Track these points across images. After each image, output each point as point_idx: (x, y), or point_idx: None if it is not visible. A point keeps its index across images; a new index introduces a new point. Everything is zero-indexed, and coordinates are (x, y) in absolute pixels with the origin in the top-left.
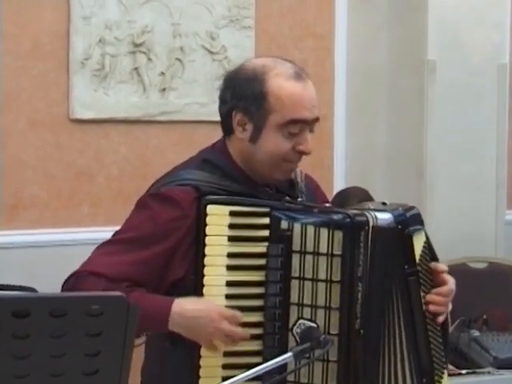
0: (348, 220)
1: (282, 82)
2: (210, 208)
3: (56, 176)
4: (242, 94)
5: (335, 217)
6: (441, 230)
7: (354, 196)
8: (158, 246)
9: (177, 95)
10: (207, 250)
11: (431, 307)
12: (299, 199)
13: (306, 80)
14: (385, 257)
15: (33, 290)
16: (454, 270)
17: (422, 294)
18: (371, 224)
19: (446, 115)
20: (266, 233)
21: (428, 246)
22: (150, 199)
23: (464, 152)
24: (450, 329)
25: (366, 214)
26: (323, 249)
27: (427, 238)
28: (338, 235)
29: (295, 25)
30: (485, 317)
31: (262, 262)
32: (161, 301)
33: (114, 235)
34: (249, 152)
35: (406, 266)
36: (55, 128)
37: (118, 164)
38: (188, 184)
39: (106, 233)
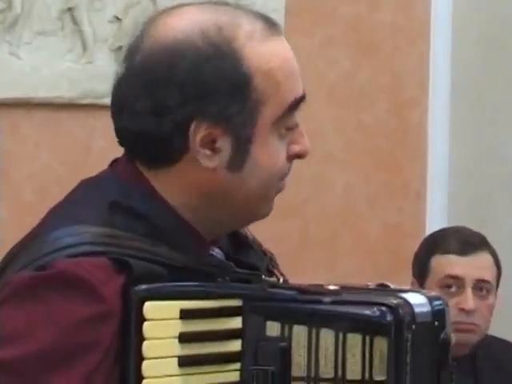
0: (390, 317)
1: (260, 47)
2: (148, 307)
3: None
4: (203, 90)
5: (368, 311)
6: None
7: (462, 239)
8: (71, 370)
9: None
10: None
11: None
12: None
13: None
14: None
15: None
16: None
17: None
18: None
19: None
20: (238, 345)
21: None
22: (42, 285)
23: None
24: None
25: (404, 298)
26: (356, 372)
27: None
28: (381, 345)
29: None
30: None
31: None
32: None
33: None
34: (222, 190)
35: None
36: None
37: (36, 179)
38: (101, 252)
39: None
